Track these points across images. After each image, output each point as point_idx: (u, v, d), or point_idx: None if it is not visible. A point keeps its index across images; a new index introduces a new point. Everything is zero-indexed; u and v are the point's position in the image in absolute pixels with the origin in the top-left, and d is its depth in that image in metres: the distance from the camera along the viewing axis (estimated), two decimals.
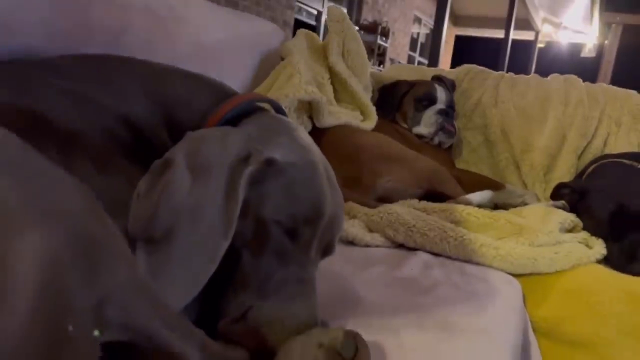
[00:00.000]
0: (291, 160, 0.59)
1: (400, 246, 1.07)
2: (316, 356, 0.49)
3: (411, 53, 10.87)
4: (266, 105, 0.72)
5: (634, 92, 1.77)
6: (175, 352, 0.44)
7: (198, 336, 0.48)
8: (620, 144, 1.62)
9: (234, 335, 0.54)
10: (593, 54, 12.56)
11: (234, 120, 0.67)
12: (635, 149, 1.60)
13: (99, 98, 0.66)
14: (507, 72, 2.00)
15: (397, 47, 9.75)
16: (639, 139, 1.64)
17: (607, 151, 1.59)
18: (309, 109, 1.43)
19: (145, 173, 0.57)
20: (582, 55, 12.95)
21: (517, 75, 1.94)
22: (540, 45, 12.59)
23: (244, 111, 0.68)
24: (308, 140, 0.65)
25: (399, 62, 8.82)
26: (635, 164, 1.32)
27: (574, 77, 1.84)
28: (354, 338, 0.52)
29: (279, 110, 0.73)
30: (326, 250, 0.64)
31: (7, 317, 0.27)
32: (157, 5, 1.10)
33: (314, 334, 0.52)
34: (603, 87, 1.78)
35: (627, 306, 0.94)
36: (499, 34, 9.17)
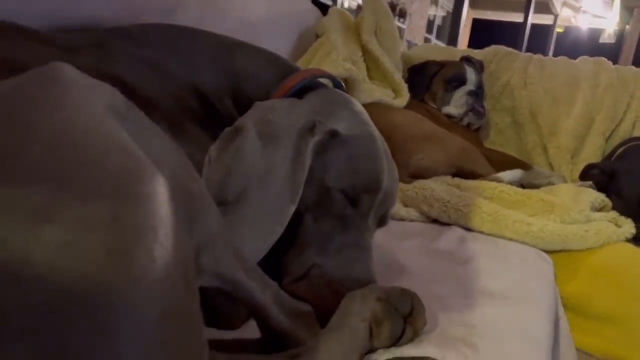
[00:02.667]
0: (353, 132, 0.61)
1: (434, 221, 1.10)
2: (374, 309, 0.51)
3: (427, 35, 10.73)
4: (326, 81, 0.74)
5: None
6: (255, 302, 0.47)
7: (273, 288, 0.50)
8: None
9: (297, 292, 0.56)
10: (612, 40, 12.28)
11: (298, 94, 0.69)
12: None
13: (170, 66, 0.69)
14: None
15: (414, 29, 9.62)
16: None
17: (636, 134, 1.58)
18: (345, 85, 1.45)
19: (212, 140, 0.59)
20: (601, 40, 12.67)
21: (545, 57, 1.92)
22: (558, 30, 12.34)
23: (307, 85, 0.70)
24: (366, 114, 0.67)
25: (416, 44, 8.72)
26: None
27: (603, 59, 1.82)
28: (410, 296, 0.54)
29: (337, 85, 0.75)
30: (381, 221, 0.66)
31: (154, 254, 0.29)
32: None
33: (372, 288, 0.54)
34: (633, 70, 1.76)
35: None
36: (517, 17, 9.00)
